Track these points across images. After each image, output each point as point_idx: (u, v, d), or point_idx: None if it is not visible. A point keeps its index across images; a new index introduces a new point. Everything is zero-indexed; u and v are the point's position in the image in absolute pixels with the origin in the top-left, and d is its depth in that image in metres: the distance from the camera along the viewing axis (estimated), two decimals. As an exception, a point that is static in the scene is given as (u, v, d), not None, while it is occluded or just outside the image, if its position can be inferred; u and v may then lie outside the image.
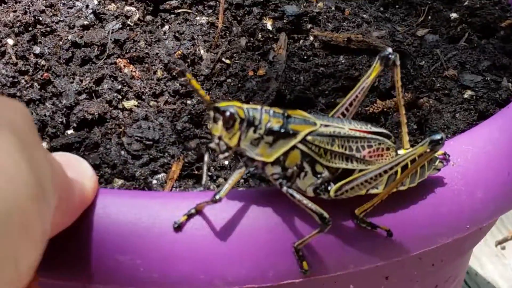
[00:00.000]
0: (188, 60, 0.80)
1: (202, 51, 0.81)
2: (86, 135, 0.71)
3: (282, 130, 0.57)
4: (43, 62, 0.77)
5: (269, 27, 0.85)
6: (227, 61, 0.81)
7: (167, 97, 0.77)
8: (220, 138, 0.57)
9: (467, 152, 0.63)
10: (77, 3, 0.85)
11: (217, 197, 0.54)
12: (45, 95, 0.74)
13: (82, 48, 0.79)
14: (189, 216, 0.55)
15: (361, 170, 0.59)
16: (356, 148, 0.59)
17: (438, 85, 0.81)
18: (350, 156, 0.59)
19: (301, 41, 0.84)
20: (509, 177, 0.62)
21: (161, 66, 0.79)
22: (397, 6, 0.95)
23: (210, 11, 0.88)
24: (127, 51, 0.80)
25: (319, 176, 0.59)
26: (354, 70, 0.81)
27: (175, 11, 0.88)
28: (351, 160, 0.59)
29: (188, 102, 0.77)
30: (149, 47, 0.81)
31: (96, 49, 0.80)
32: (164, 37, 0.83)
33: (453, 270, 0.75)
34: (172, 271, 0.53)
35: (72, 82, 0.75)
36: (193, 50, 0.81)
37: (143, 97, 0.76)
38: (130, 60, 0.79)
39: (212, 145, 0.57)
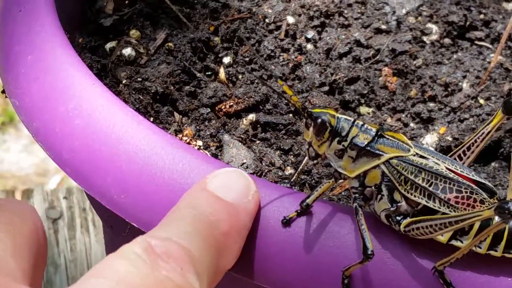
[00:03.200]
0: (449, 89, 0.82)
1: (465, 85, 0.82)
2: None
3: (367, 148, 0.58)
4: (308, 46, 0.85)
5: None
6: (481, 101, 0.81)
7: (403, 115, 0.80)
8: (310, 144, 0.60)
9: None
10: (386, 7, 0.91)
11: (304, 204, 0.58)
12: (288, 76, 0.82)
13: (360, 48, 0.85)
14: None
15: (444, 214, 0.57)
16: (442, 188, 0.58)
17: None
18: (432, 194, 0.58)
19: None
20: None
21: (419, 86, 0.82)
22: None
23: (509, 51, 0.88)
24: (398, 63, 0.84)
25: (395, 204, 0.58)
26: None
27: (476, 42, 0.89)
28: (433, 198, 0.58)
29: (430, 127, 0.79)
30: (423, 67, 0.85)
31: (371, 52, 0.85)
32: (446, 62, 0.86)
33: None
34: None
35: (321, 73, 0.82)
36: (458, 82, 0.83)
37: (383, 108, 0.81)
38: (395, 71, 0.83)
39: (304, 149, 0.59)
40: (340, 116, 0.59)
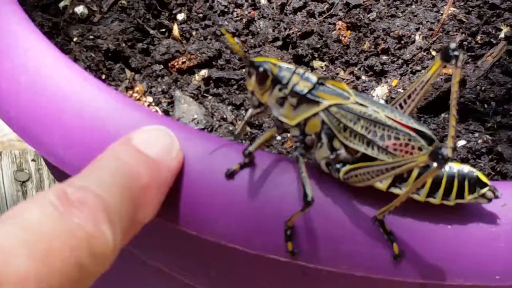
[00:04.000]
0: (402, 42, 0.82)
1: (418, 37, 0.83)
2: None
3: (307, 95, 0.59)
4: (262, 1, 0.85)
5: (502, 34, 0.83)
6: (433, 53, 0.81)
7: (356, 69, 0.80)
8: (253, 93, 0.60)
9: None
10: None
11: (246, 152, 0.58)
12: (242, 31, 0.82)
13: (315, 2, 0.86)
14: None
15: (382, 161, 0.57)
16: (381, 136, 0.58)
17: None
18: (371, 141, 0.58)
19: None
20: None
21: (372, 39, 0.83)
22: None
23: (462, 3, 0.88)
24: (352, 16, 0.84)
25: (334, 152, 0.59)
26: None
27: (431, -5, 0.90)
28: (372, 146, 0.58)
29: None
30: (377, 20, 0.85)
31: (325, 6, 0.85)
32: (400, 15, 0.86)
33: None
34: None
35: (275, 28, 0.82)
36: (411, 34, 0.83)
37: (336, 62, 0.81)
38: (349, 25, 0.84)
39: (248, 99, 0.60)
40: (281, 64, 0.60)
